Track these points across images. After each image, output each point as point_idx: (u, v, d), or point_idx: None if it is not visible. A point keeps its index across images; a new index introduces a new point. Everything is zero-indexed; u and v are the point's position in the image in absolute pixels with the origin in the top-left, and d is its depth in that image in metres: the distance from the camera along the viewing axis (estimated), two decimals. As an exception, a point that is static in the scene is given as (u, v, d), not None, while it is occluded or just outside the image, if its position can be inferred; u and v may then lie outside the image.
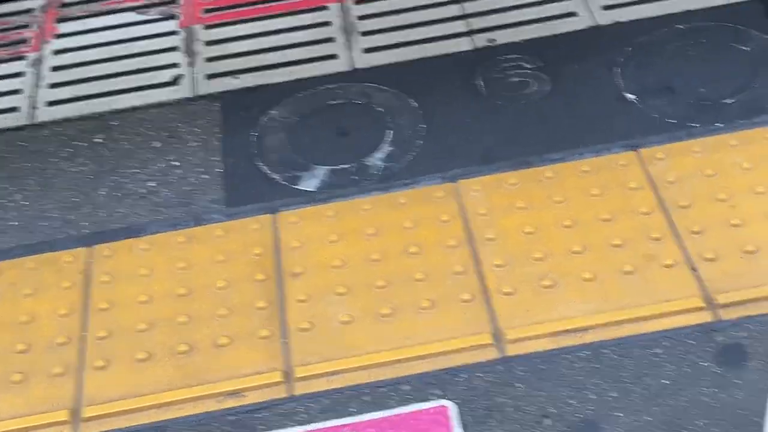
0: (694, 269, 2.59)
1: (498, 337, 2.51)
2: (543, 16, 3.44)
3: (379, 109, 3.22)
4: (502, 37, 3.39)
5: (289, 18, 3.59)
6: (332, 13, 3.59)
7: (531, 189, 2.86)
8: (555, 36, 3.36)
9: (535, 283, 2.61)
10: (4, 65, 3.53)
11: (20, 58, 3.55)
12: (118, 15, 3.68)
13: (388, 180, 2.99)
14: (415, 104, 3.22)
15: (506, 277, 2.64)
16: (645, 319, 2.50)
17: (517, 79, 3.24)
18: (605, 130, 3.03)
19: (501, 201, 2.84)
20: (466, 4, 3.53)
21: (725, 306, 2.50)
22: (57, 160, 3.18)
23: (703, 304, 2.51)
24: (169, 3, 3.70)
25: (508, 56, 3.32)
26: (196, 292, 2.72)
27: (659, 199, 2.78)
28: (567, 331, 2.50)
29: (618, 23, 3.37)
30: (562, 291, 2.59)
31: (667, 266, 2.60)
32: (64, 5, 3.75)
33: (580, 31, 3.36)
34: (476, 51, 3.37)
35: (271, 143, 3.16)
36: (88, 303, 2.74)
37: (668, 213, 2.74)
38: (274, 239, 2.83)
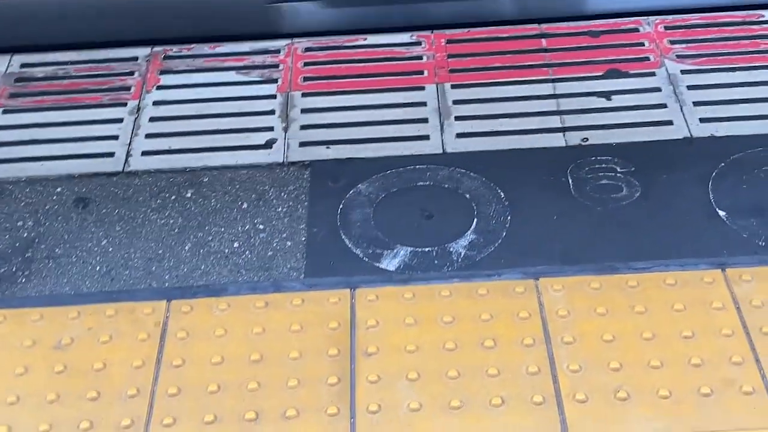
0: (773, 400, 2.55)
1: (567, 444, 2.49)
2: (638, 121, 3.45)
3: (466, 195, 3.24)
4: (596, 137, 3.40)
5: (385, 94, 3.64)
6: (428, 94, 3.63)
7: (613, 295, 2.84)
8: (649, 143, 3.36)
9: (610, 393, 2.58)
10: (105, 110, 3.62)
11: (121, 105, 3.64)
12: (219, 73, 3.76)
13: (469, 269, 3.00)
14: (503, 195, 3.23)
15: (580, 384, 2.61)
16: (719, 445, 2.46)
17: (606, 182, 3.24)
18: (693, 244, 3.01)
19: (581, 304, 2.82)
20: (562, 101, 3.55)
21: (803, 442, 2.46)
22: (146, 210, 3.24)
23: (781, 438, 2.47)
24: (271, 67, 3.77)
25: (600, 157, 3.32)
26: (269, 360, 2.73)
27: (743, 322, 2.74)
28: (638, 448, 2.47)
29: (713, 137, 3.36)
30: (636, 405, 2.56)
31: (746, 393, 2.56)
32: (168, 57, 3.84)
33: (674, 140, 3.36)
34: (568, 148, 3.38)
35: (356, 218, 3.19)
36: (162, 357, 2.77)
37: (751, 337, 2.70)
38: (350, 315, 2.85)
